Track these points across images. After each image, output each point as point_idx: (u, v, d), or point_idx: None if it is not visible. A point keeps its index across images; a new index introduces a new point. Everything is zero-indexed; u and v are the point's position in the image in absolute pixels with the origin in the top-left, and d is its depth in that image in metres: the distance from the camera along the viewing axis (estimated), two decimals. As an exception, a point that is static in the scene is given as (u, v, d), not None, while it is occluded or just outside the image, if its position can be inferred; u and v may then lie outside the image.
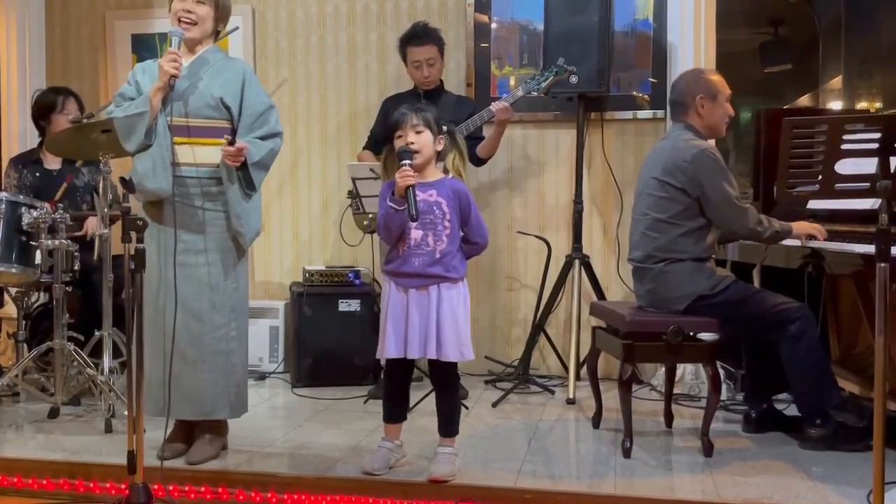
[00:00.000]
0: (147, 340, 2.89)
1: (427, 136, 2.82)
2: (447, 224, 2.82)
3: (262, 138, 3.01)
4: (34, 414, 3.65)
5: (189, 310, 2.96)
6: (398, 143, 2.82)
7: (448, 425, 2.92)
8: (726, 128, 3.44)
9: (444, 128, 2.90)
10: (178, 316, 2.88)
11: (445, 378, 2.91)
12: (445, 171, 2.90)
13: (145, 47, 4.92)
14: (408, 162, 2.73)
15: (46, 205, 3.70)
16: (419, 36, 4.08)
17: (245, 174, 2.96)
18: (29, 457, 3.09)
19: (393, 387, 2.99)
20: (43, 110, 4.18)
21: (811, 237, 3.24)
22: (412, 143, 2.79)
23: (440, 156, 2.88)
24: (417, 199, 2.75)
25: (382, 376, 3.41)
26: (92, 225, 3.97)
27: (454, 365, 2.89)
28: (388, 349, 2.84)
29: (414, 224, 2.77)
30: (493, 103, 3.93)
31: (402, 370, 2.94)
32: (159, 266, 2.98)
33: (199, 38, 3.05)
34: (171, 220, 2.92)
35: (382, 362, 4.08)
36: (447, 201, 2.82)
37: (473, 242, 2.90)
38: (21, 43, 4.81)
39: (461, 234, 2.88)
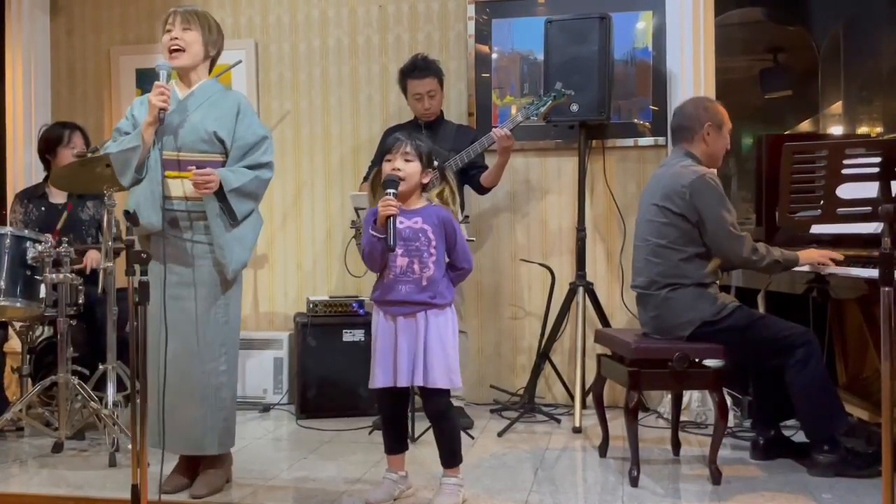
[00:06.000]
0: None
1: (415, 165, 2.83)
2: (433, 251, 2.82)
3: (249, 168, 2.99)
4: (38, 449, 3.64)
5: (179, 344, 2.95)
6: (386, 167, 2.84)
7: (449, 456, 2.89)
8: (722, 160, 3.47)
9: (435, 163, 2.91)
10: (169, 349, 2.88)
11: (438, 407, 2.87)
12: (428, 200, 2.91)
13: (149, 82, 4.84)
14: (392, 191, 2.74)
15: (51, 238, 3.72)
16: (419, 68, 4.12)
17: (225, 204, 2.94)
18: (33, 492, 3.08)
19: (388, 418, 2.97)
20: (49, 143, 4.21)
21: (822, 265, 3.23)
22: (398, 169, 2.80)
23: (425, 188, 2.89)
24: (402, 226, 2.78)
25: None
26: (92, 258, 3.98)
27: (446, 393, 2.86)
28: (378, 378, 2.83)
29: (399, 251, 2.78)
30: (493, 129, 3.95)
31: (394, 400, 2.93)
32: (154, 299, 2.96)
33: (191, 66, 3.04)
34: (162, 254, 2.92)
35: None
36: (432, 228, 2.83)
37: (459, 268, 2.91)
38: (27, 78, 4.86)
39: (447, 260, 2.88)
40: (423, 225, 2.83)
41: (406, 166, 2.82)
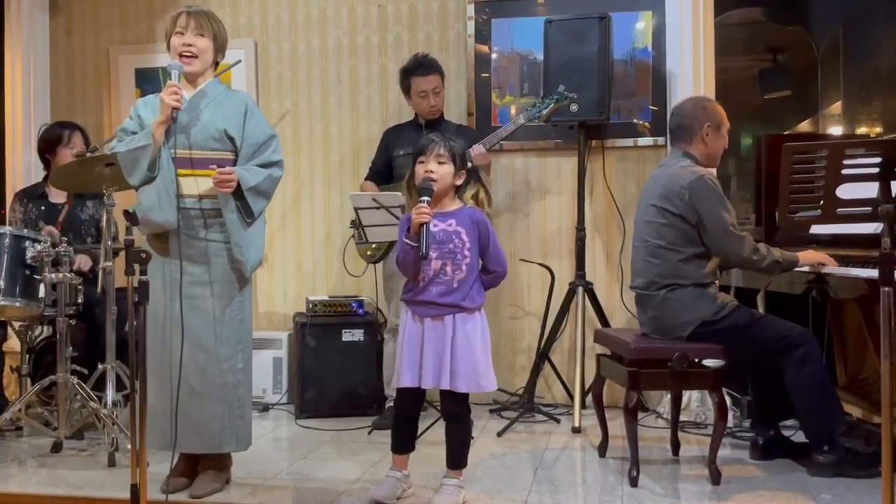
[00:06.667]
0: (153, 374, 2.88)
1: (448, 168, 2.82)
2: (466, 253, 2.82)
3: (261, 166, 3.02)
4: (37, 448, 3.64)
5: (195, 342, 2.95)
6: (419, 169, 2.83)
7: (456, 458, 2.91)
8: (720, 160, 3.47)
9: (469, 165, 2.90)
10: (184, 349, 2.87)
11: (456, 408, 2.88)
12: (463, 202, 2.90)
13: (149, 81, 4.96)
14: (426, 199, 2.74)
15: (54, 230, 3.72)
16: (423, 66, 4.12)
17: (242, 202, 2.96)
18: (32, 492, 3.07)
19: (403, 417, 2.97)
20: (49, 143, 4.21)
21: (822, 265, 3.23)
22: (431, 171, 2.80)
23: (458, 190, 2.89)
24: (436, 228, 2.78)
25: (391, 405, 3.39)
26: (81, 262, 3.97)
27: (466, 397, 2.87)
28: (403, 378, 2.83)
29: (434, 254, 2.78)
30: (473, 146, 3.91)
31: (413, 400, 2.93)
32: (164, 299, 2.97)
33: (201, 71, 3.06)
34: (177, 252, 2.92)
35: (387, 391, 4.10)
36: (466, 230, 2.82)
37: (492, 271, 2.90)
38: (26, 78, 4.86)
39: (480, 263, 2.88)
40: (457, 227, 2.82)
41: (439, 168, 2.81)
